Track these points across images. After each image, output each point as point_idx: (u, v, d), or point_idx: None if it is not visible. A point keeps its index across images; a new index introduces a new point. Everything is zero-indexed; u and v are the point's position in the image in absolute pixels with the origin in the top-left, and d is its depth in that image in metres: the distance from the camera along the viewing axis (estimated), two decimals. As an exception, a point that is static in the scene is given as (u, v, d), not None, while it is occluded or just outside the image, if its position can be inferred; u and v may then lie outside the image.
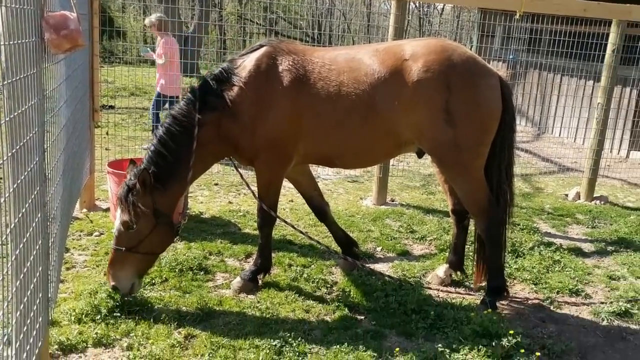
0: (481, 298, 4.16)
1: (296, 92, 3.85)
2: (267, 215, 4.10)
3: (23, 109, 2.21)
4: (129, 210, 3.65)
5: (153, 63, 13.61)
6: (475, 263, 4.35)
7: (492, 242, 4.07)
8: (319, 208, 4.60)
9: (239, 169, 4.34)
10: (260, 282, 4.21)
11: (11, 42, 2.06)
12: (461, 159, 3.86)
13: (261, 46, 4.02)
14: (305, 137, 3.95)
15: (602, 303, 4.32)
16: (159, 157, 3.76)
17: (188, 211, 5.52)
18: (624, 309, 4.18)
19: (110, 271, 3.68)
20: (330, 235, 4.76)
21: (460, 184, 4.00)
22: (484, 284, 4.33)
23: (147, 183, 3.66)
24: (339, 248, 4.70)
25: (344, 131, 3.90)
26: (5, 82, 2.02)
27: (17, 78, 2.13)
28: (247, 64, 3.93)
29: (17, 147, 2.15)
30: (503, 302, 4.22)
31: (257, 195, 4.14)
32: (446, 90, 3.74)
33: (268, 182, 4.08)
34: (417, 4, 23.69)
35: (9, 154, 2.09)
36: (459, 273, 4.53)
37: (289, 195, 6.57)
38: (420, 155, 4.26)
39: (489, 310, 3.85)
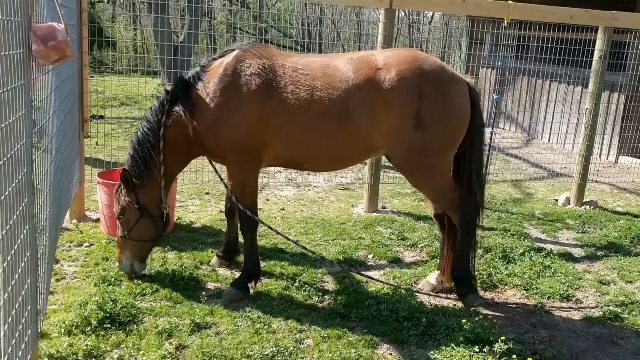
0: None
1: (264, 97, 3.92)
2: (248, 218, 4.13)
3: (11, 120, 2.20)
4: (117, 204, 4.20)
5: (143, 73, 13.60)
6: (440, 262, 4.42)
7: (465, 232, 4.18)
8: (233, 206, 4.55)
9: (216, 170, 4.42)
10: (252, 290, 4.20)
11: (-2, 54, 2.06)
12: (428, 163, 4.00)
13: (233, 50, 4.11)
14: (275, 141, 4.01)
15: (593, 308, 4.34)
16: (133, 157, 4.11)
17: (179, 220, 5.54)
18: (614, 314, 4.20)
19: (117, 254, 4.29)
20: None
21: (426, 187, 4.16)
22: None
23: (129, 181, 4.09)
24: (227, 247, 4.69)
25: (316, 136, 3.98)
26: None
27: (5, 90, 2.12)
28: (216, 67, 4.04)
29: (5, 159, 2.14)
30: (494, 308, 4.24)
31: (235, 198, 4.15)
32: (418, 98, 3.86)
33: (242, 184, 4.15)
34: (407, 12, 23.84)
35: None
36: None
37: (280, 203, 6.57)
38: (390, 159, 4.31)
39: (480, 316, 3.86)
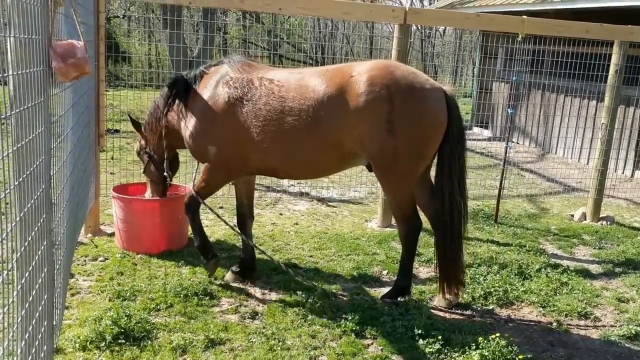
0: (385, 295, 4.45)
1: (241, 108, 4.16)
2: (194, 201, 4.45)
3: (30, 137, 2.22)
4: (136, 141, 5.13)
5: (158, 87, 13.71)
6: (438, 277, 4.40)
7: (410, 247, 4.35)
8: (242, 216, 4.78)
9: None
10: (209, 261, 4.53)
11: (20, 72, 2.08)
12: (399, 168, 4.05)
13: (222, 62, 4.49)
14: (252, 151, 4.20)
15: (612, 326, 4.27)
16: (148, 115, 4.83)
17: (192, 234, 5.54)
18: (634, 332, 4.13)
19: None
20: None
21: (390, 191, 4.24)
22: (449, 296, 4.38)
23: (137, 128, 4.92)
24: (243, 264, 4.76)
25: (289, 143, 4.10)
26: (14, 112, 2.04)
27: (26, 107, 2.14)
28: (207, 76, 4.39)
29: (24, 176, 2.16)
30: (510, 325, 4.18)
31: (194, 184, 4.49)
32: (389, 102, 3.91)
33: (206, 182, 4.43)
34: (419, 26, 23.89)
35: (16, 183, 2.09)
36: (462, 288, 4.50)
37: (293, 217, 6.56)
38: (370, 168, 4.31)
39: (497, 334, 3.81)
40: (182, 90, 4.46)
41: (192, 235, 5.58)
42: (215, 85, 4.28)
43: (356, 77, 3.99)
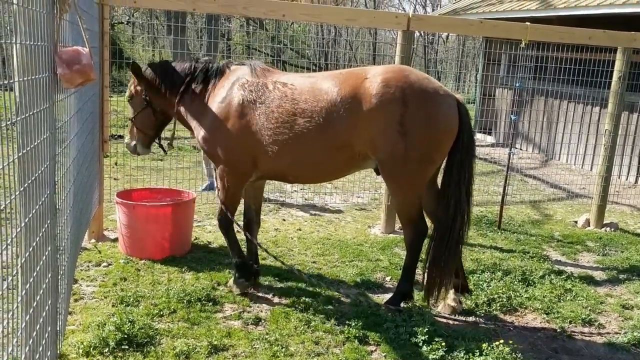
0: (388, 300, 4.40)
1: (253, 111, 4.18)
2: (225, 217, 4.43)
3: (35, 143, 2.23)
4: (130, 86, 4.77)
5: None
6: (425, 282, 4.36)
7: (414, 253, 4.33)
8: (249, 220, 4.77)
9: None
10: (247, 283, 4.46)
11: (25, 78, 2.10)
12: (407, 171, 4.05)
13: (243, 64, 4.49)
14: (262, 154, 4.21)
15: (617, 333, 4.25)
16: (160, 71, 4.58)
17: (195, 240, 5.55)
18: (639, 339, 4.11)
19: (126, 132, 4.91)
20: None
21: (399, 195, 4.24)
22: (439, 307, 4.42)
23: (137, 74, 4.58)
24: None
25: (300, 145, 4.10)
26: (19, 118, 2.05)
27: (31, 113, 2.15)
28: (226, 74, 4.42)
29: (29, 182, 2.17)
30: (514, 331, 4.17)
31: (219, 197, 4.46)
32: (403, 104, 3.93)
33: (225, 189, 4.39)
34: (422, 33, 23.95)
35: (21, 189, 2.10)
36: (467, 294, 4.49)
37: (296, 223, 6.56)
38: (378, 172, 4.31)
39: (501, 341, 3.80)
40: (200, 80, 4.44)
41: (195, 241, 5.61)
42: (231, 86, 4.30)
43: (371, 79, 4.02)
